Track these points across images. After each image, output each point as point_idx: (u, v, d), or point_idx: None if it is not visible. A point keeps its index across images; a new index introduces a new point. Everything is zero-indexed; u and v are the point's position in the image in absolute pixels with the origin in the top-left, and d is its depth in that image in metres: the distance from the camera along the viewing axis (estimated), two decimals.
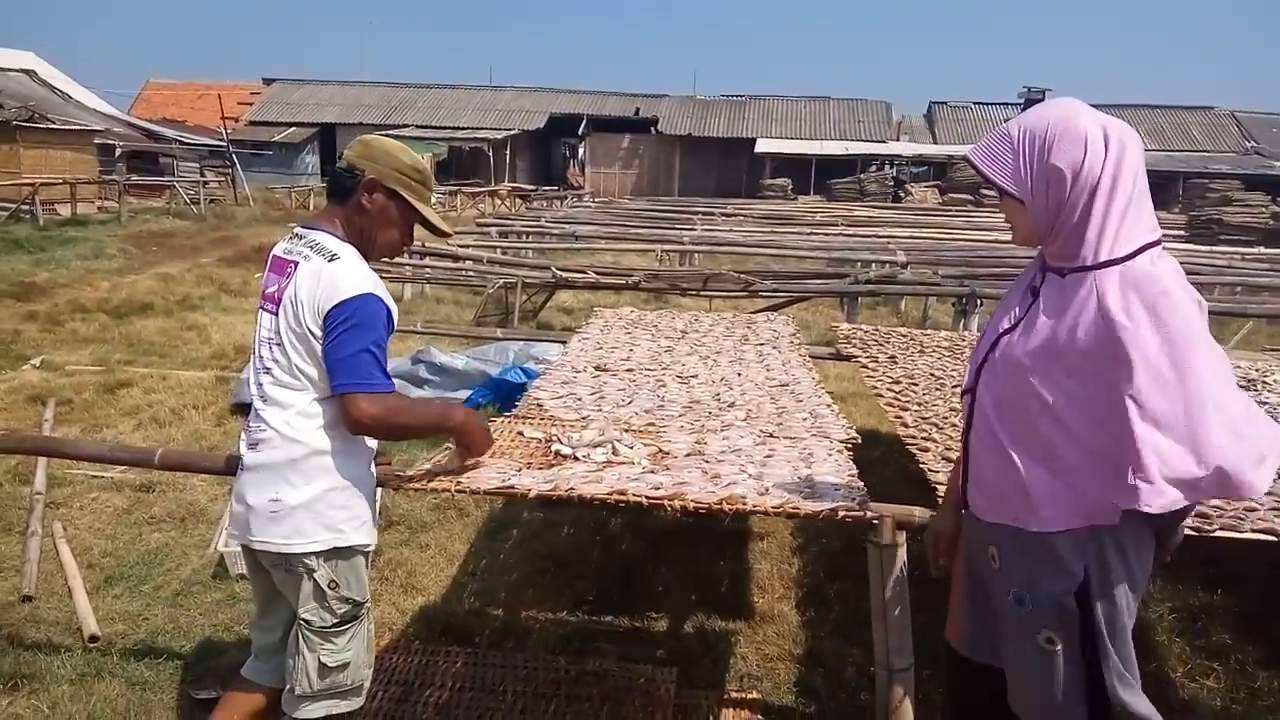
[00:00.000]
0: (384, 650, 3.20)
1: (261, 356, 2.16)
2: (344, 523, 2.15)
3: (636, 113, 39.54)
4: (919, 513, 2.40)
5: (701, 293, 8.36)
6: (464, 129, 38.04)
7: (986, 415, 1.87)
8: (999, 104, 40.72)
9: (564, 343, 6.07)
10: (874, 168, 34.51)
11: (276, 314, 2.12)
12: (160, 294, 10.54)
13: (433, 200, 2.31)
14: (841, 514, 2.21)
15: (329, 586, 2.16)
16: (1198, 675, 3.22)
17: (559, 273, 8.52)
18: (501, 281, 8.65)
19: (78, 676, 3.03)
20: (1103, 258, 1.70)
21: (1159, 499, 1.65)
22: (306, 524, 2.12)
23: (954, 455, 2.69)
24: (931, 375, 4.27)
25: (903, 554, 2.40)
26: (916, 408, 3.60)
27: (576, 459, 2.59)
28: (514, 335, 5.99)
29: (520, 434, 2.89)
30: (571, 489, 2.28)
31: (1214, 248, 15.10)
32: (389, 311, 2.14)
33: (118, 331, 8.42)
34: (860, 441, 2.97)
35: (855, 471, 2.57)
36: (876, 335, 5.23)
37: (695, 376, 3.88)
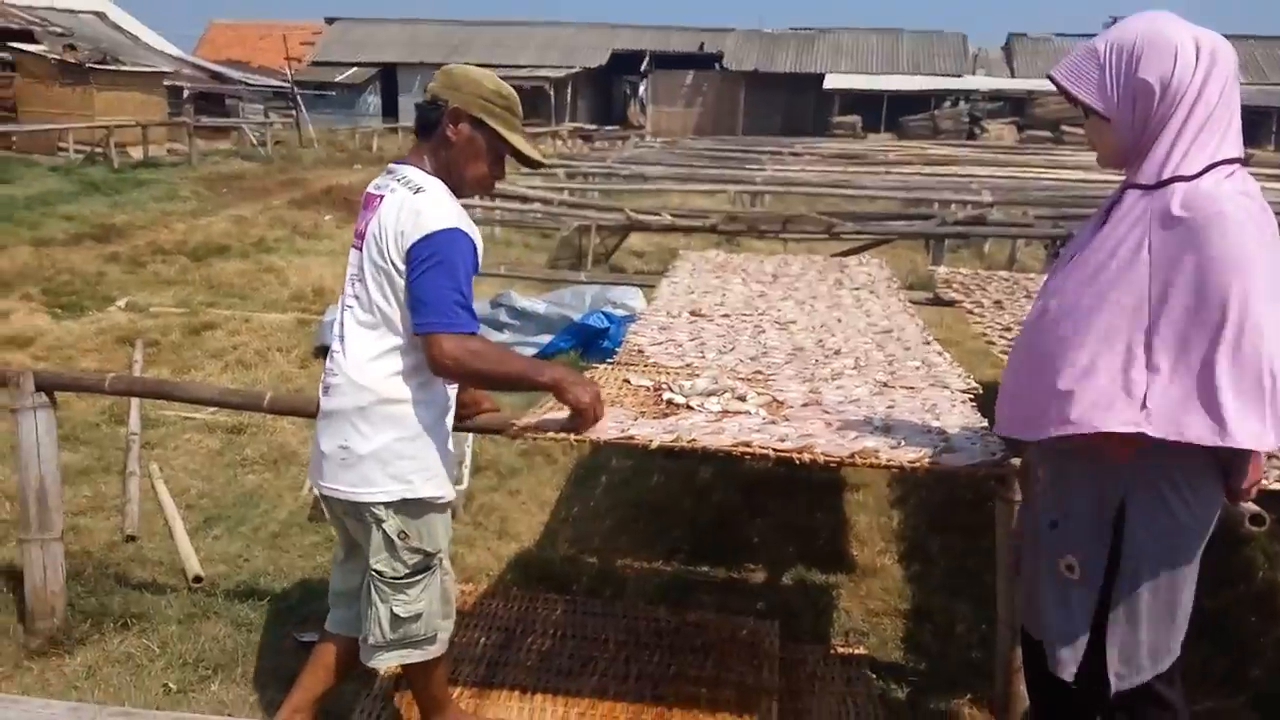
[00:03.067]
0: (483, 596, 3.17)
1: (345, 293, 2.12)
2: (413, 474, 2.09)
3: (701, 48, 38.61)
4: None
5: (780, 235, 8.13)
6: (524, 67, 37.59)
7: (1034, 326, 1.77)
8: (1083, 35, 38.77)
9: (644, 287, 5.95)
10: (948, 104, 33.31)
11: (361, 246, 2.07)
12: (235, 236, 10.64)
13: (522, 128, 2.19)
14: (984, 471, 2.07)
15: (398, 537, 2.11)
16: None
17: (633, 215, 8.35)
18: (575, 224, 8.51)
19: (185, 616, 3.06)
20: (1167, 174, 1.58)
21: (1155, 427, 1.55)
22: (375, 473, 2.06)
23: None
24: None
25: None
26: None
27: (690, 408, 2.49)
28: (596, 279, 5.87)
29: (627, 381, 2.79)
30: (694, 440, 2.17)
31: None
32: (475, 248, 2.07)
33: (197, 274, 8.52)
34: (981, 392, 2.81)
35: (985, 423, 2.42)
36: (976, 279, 4.99)
37: (794, 322, 3.74)
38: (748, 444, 2.14)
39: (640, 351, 3.17)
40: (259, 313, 7.11)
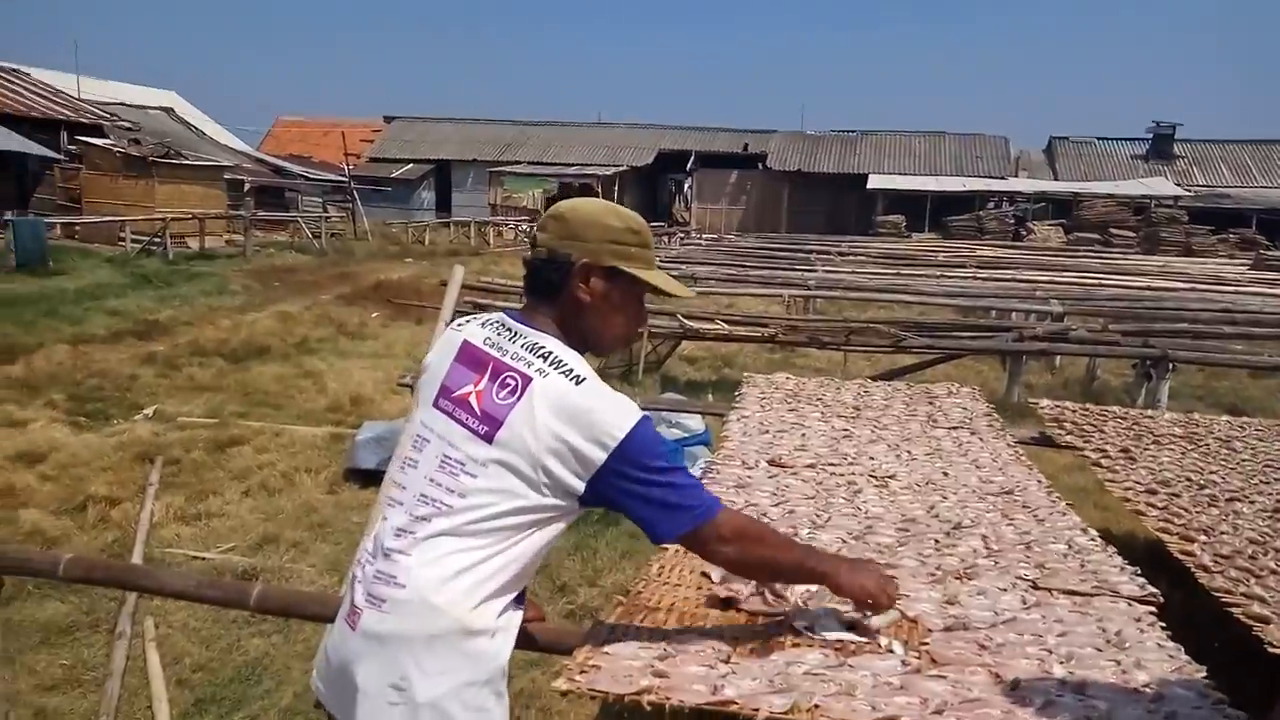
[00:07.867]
0: None
1: (432, 479, 1.56)
2: None
3: (745, 149, 39.05)
4: None
5: (843, 347, 7.59)
6: (573, 165, 38.25)
7: None
8: (1125, 139, 38.60)
9: (705, 414, 5.40)
10: (991, 204, 33.01)
11: (491, 437, 1.52)
12: (279, 334, 10.35)
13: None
14: None
15: None
16: None
17: (687, 323, 7.88)
18: None
19: None
20: None
21: None
22: None
23: None
24: (1188, 480, 3.41)
25: None
26: (1203, 537, 2.77)
27: (796, 631, 1.90)
28: (653, 405, 5.32)
29: (706, 577, 2.21)
30: (816, 708, 1.58)
31: None
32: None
33: (233, 378, 8.15)
34: (1163, 601, 2.19)
35: (1204, 674, 1.80)
36: (1088, 416, 4.37)
37: (893, 477, 3.17)
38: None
39: None
40: (292, 424, 6.66)
